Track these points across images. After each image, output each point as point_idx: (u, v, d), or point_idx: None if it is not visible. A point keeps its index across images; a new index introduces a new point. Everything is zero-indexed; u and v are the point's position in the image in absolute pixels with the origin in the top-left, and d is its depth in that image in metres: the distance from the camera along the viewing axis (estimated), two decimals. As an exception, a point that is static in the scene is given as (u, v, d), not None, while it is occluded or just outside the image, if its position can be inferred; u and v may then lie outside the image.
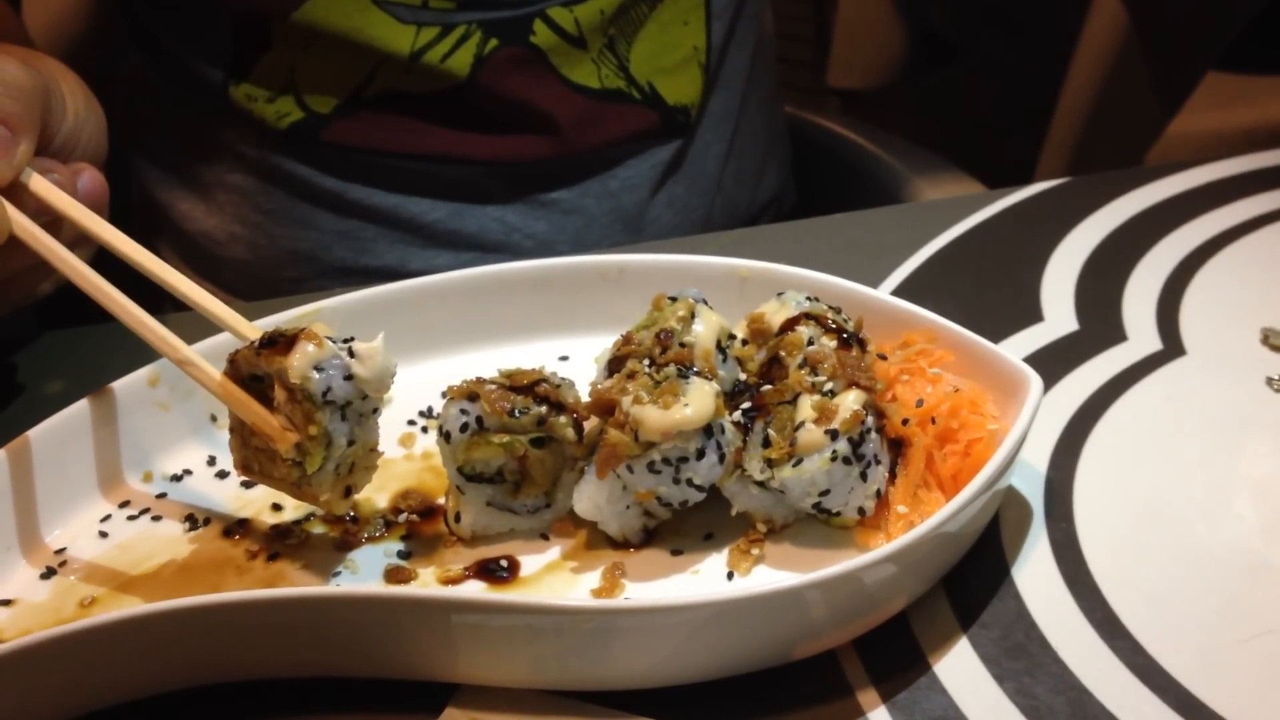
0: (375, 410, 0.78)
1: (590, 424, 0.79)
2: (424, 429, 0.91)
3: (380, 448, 0.88)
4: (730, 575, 0.76)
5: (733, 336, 0.84)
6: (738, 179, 1.36)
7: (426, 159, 1.21)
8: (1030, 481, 0.83)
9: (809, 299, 0.84)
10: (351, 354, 0.75)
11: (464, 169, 1.22)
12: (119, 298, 0.81)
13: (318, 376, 0.74)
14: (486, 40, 1.17)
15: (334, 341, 0.75)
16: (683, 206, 1.30)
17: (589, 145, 1.23)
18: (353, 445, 0.76)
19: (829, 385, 0.77)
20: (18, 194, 0.84)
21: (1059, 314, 1.00)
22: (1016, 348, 0.96)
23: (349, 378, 0.75)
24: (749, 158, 1.38)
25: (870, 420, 0.76)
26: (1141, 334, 0.97)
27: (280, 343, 0.76)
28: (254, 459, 0.79)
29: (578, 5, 1.19)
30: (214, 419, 0.91)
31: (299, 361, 0.74)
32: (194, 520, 0.83)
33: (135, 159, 1.35)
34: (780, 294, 0.85)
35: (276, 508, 0.84)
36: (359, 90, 1.19)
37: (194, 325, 0.84)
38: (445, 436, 0.78)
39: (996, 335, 0.95)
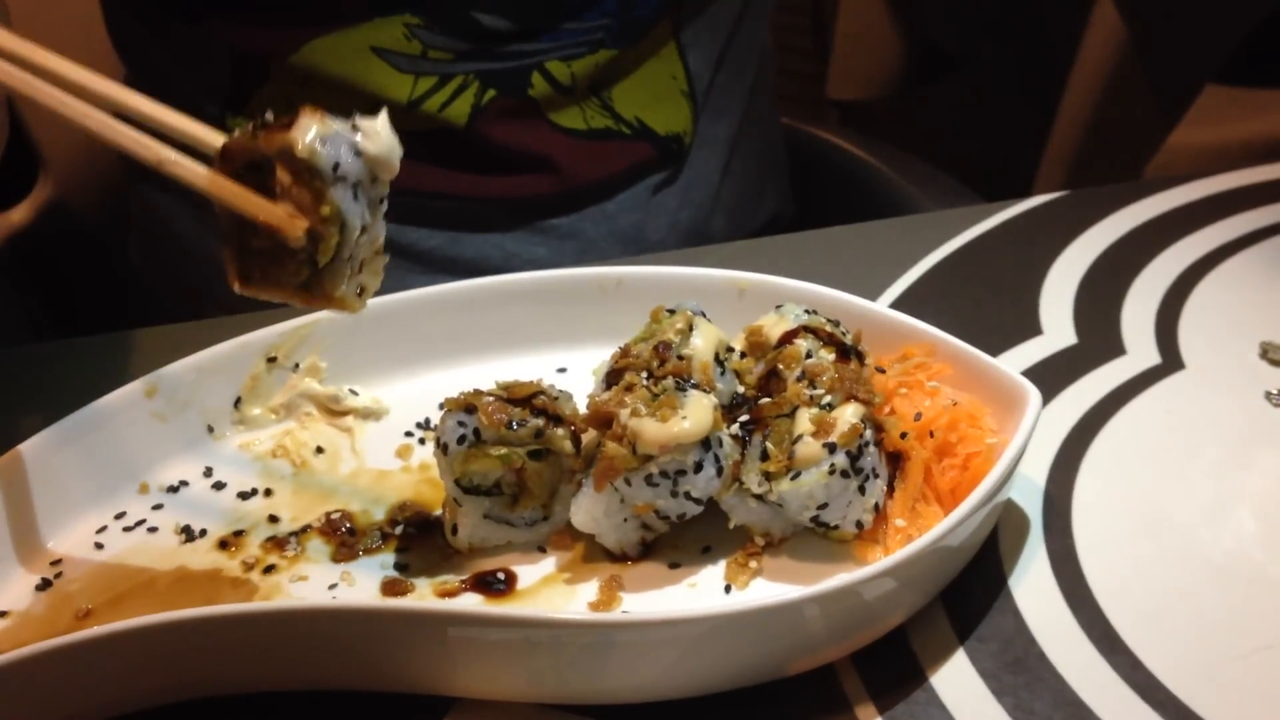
0: (382, 200, 0.73)
1: (588, 436, 0.79)
2: (421, 441, 0.90)
3: (377, 459, 0.88)
4: (728, 589, 0.76)
5: (731, 349, 0.84)
6: (737, 199, 1.37)
7: (425, 195, 1.21)
8: (1029, 495, 0.83)
9: (807, 311, 0.84)
10: (356, 130, 0.71)
11: (463, 203, 1.22)
12: (77, 105, 0.72)
13: (326, 151, 0.69)
14: (484, 91, 1.18)
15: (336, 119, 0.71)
16: (683, 228, 1.31)
17: (589, 180, 1.24)
18: (365, 234, 0.72)
19: (827, 398, 0.77)
20: None
21: (1058, 327, 1.00)
22: (1015, 361, 0.96)
23: (358, 155, 0.70)
24: (748, 178, 1.38)
25: (868, 433, 0.76)
26: (1140, 348, 0.97)
27: (278, 123, 0.70)
28: (254, 266, 0.72)
29: (575, 60, 1.19)
30: (210, 430, 0.90)
31: (305, 135, 0.68)
32: (190, 532, 0.83)
33: (132, 174, 1.35)
34: (778, 306, 0.85)
35: (273, 519, 0.84)
36: None
37: (168, 339, 0.82)
38: (443, 448, 0.78)
39: (995, 348, 0.95)
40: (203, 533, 0.83)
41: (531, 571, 0.78)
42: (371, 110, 1.16)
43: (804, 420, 0.76)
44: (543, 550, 0.80)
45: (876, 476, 0.76)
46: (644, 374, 0.78)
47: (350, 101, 1.16)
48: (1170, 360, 0.96)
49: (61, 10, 1.44)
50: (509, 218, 1.24)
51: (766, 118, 1.44)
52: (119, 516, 0.84)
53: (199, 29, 1.19)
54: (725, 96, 1.32)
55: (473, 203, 1.23)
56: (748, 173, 1.38)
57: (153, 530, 0.83)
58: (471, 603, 0.76)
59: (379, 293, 0.95)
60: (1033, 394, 0.78)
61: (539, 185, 1.23)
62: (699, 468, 0.75)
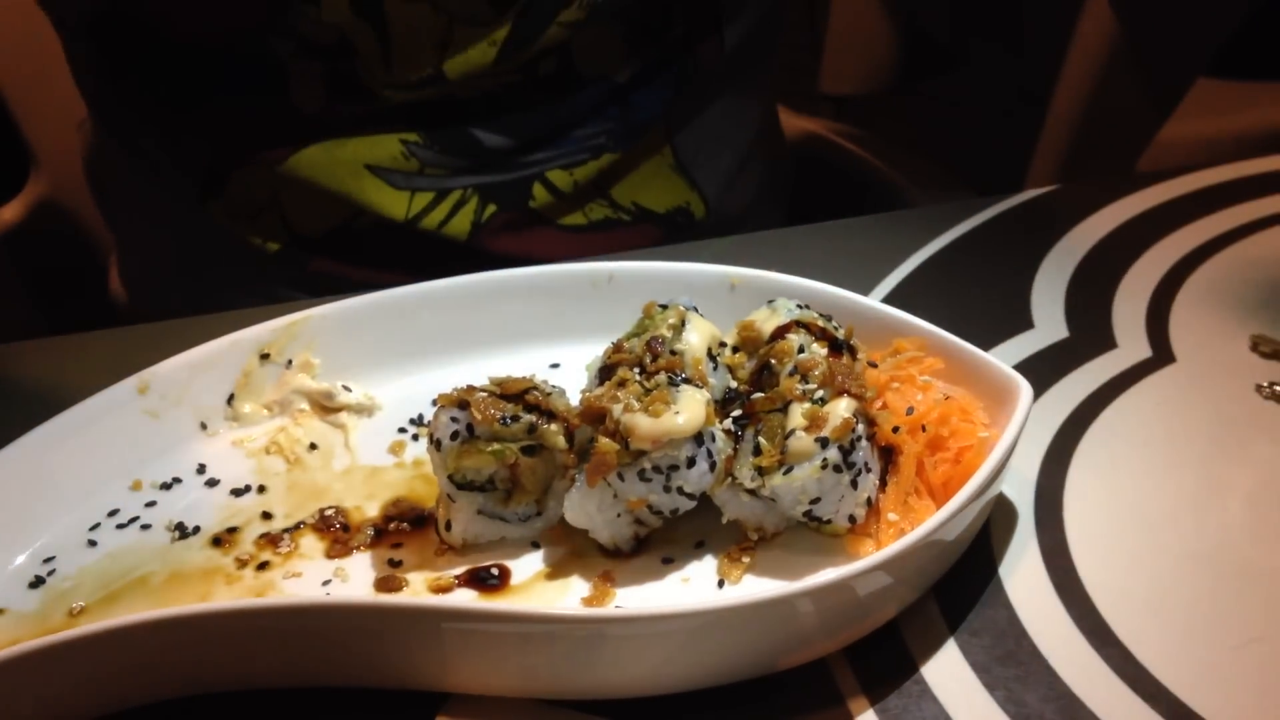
0: None
1: (581, 432, 0.79)
2: (415, 437, 0.90)
3: (370, 455, 0.89)
4: (721, 583, 0.76)
5: (723, 344, 0.84)
6: (737, 218, 1.36)
7: None
8: (1020, 489, 0.83)
9: (800, 306, 0.84)
10: None
11: None
12: None
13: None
14: (484, 206, 1.16)
15: None
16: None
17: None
18: None
19: (820, 393, 0.77)
20: None
21: (1049, 321, 1.01)
22: (1007, 355, 0.96)
23: None
24: (752, 204, 1.38)
25: (861, 428, 0.76)
26: (1131, 341, 0.97)
27: None
28: None
29: (577, 168, 1.17)
30: (203, 426, 0.90)
31: None
32: (183, 529, 0.83)
33: (117, 233, 1.33)
34: (771, 301, 0.85)
35: (267, 516, 0.84)
36: (351, 219, 1.15)
37: (160, 336, 0.83)
38: (436, 444, 0.78)
39: (987, 342, 0.95)
40: (196, 530, 0.83)
41: (525, 567, 0.79)
42: (363, 218, 1.13)
43: (796, 415, 0.76)
44: (536, 546, 0.80)
45: (869, 471, 0.76)
46: (636, 369, 0.79)
47: (340, 211, 1.12)
48: (1161, 353, 0.96)
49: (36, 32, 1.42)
50: None
51: (771, 154, 1.41)
52: (112, 514, 0.84)
53: (182, 117, 1.15)
54: (725, 160, 1.29)
55: None
56: (752, 200, 1.37)
57: (146, 527, 0.83)
58: (465, 598, 0.76)
59: (376, 290, 0.96)
60: (1024, 388, 0.78)
61: None
62: (692, 463, 0.75)
